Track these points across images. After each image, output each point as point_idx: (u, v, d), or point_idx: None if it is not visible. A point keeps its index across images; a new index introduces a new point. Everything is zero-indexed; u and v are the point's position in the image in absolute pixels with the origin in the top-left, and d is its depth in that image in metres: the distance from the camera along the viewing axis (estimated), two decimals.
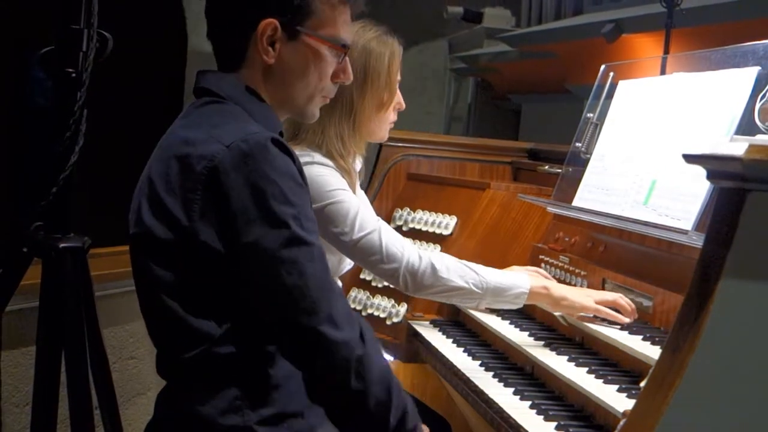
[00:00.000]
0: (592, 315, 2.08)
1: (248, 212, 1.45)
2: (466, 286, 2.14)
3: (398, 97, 2.27)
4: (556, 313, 2.19)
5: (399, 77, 2.26)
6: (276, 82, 1.65)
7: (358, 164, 2.36)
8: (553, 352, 2.03)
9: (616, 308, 2.06)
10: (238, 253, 1.48)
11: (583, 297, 2.12)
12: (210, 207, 1.47)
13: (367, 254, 2.12)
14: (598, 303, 2.07)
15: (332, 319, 1.47)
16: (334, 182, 2.14)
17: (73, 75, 1.61)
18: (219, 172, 1.46)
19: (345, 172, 2.19)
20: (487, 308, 2.46)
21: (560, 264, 2.42)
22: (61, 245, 1.61)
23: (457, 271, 2.16)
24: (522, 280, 2.18)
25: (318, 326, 1.46)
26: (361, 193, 2.36)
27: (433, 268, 2.13)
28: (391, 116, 2.30)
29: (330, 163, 2.16)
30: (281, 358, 1.56)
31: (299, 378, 1.56)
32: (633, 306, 2.04)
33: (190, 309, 1.52)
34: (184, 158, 1.50)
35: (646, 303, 2.04)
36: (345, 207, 2.11)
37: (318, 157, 2.16)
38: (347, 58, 1.71)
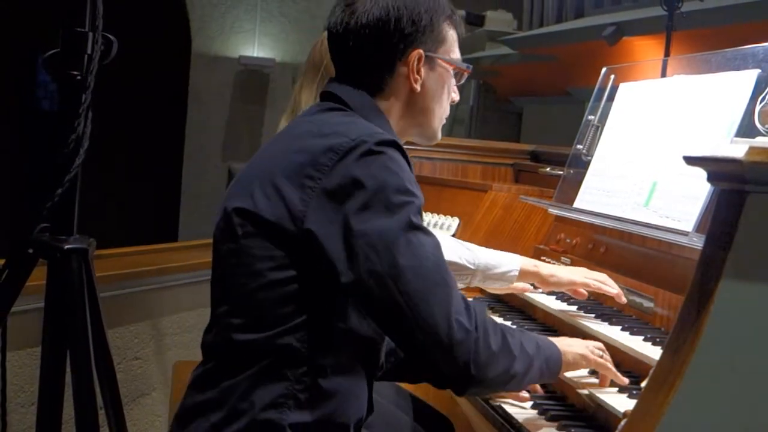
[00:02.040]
0: (581, 289, 2.15)
1: (367, 200, 1.46)
2: (459, 261, 2.19)
3: None
4: (555, 309, 2.20)
5: None
6: (417, 109, 1.71)
7: None
8: None
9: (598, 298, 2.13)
10: (350, 243, 1.45)
11: (570, 273, 2.19)
12: (326, 194, 1.47)
13: None
14: (586, 277, 2.14)
15: (446, 309, 1.44)
16: None
17: (78, 78, 1.60)
18: (341, 161, 1.48)
19: None
20: (487, 307, 2.47)
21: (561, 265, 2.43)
22: (66, 246, 1.60)
23: (451, 247, 2.21)
24: (512, 259, 2.23)
25: (429, 315, 1.43)
26: None
27: None
28: None
29: None
30: (337, 372, 1.54)
31: (348, 395, 1.55)
32: (619, 289, 2.11)
33: (268, 292, 1.50)
34: (309, 148, 1.51)
35: (647, 304, 2.05)
36: None
37: None
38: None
